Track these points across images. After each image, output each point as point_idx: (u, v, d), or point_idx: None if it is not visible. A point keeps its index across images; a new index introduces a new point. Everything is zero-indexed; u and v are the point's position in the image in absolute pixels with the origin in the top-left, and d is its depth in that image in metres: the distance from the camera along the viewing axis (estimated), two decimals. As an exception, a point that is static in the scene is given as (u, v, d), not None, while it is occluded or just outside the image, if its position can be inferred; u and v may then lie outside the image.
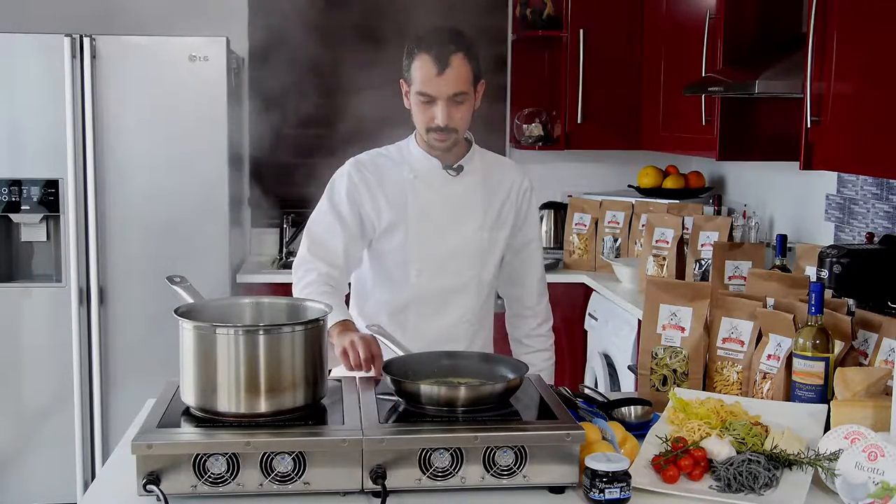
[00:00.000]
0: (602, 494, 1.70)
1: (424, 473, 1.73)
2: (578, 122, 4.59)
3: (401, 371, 1.98)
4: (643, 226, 4.07)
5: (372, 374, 2.13)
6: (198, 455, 1.69)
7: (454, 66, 2.29)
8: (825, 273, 2.48)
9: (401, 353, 2.12)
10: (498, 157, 2.61)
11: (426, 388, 1.87)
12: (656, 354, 2.31)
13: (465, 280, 2.47)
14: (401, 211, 2.43)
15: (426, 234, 2.43)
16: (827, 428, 1.94)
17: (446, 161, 2.44)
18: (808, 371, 2.04)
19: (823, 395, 2.03)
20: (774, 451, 1.83)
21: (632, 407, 2.12)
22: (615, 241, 4.41)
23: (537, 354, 2.64)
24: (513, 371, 2.00)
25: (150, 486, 1.67)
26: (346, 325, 2.27)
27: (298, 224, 4.75)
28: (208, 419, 1.81)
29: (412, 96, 2.36)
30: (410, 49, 2.35)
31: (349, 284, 2.54)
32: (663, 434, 1.93)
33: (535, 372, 2.43)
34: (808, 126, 2.78)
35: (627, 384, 3.76)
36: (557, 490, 1.77)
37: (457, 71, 2.29)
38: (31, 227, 4.07)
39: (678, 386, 2.24)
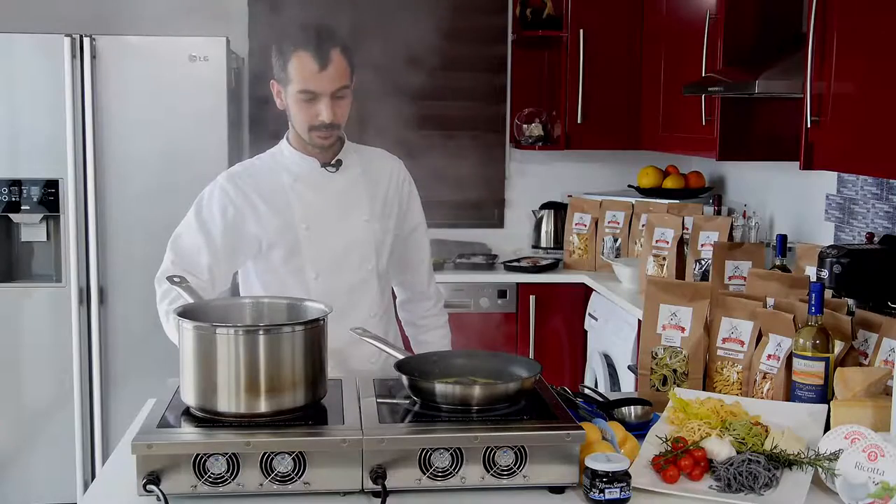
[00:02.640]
0: (602, 494, 1.70)
1: (424, 473, 1.73)
2: (578, 122, 4.59)
3: (413, 370, 1.97)
4: (643, 226, 4.07)
5: None
6: (198, 455, 1.69)
7: (335, 61, 2.28)
8: (825, 273, 2.48)
9: (398, 355, 2.11)
10: (373, 149, 2.57)
11: (441, 387, 1.87)
12: (656, 354, 2.31)
13: (365, 274, 2.44)
14: (287, 217, 2.39)
15: (317, 235, 2.40)
16: (827, 428, 1.94)
17: (323, 159, 2.42)
18: (808, 371, 2.04)
19: (823, 395, 2.03)
20: (774, 451, 1.83)
21: (632, 407, 2.12)
22: (615, 241, 4.41)
23: (434, 332, 2.63)
24: (527, 369, 1.99)
25: (150, 486, 1.67)
26: None
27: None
28: (208, 419, 1.81)
29: (290, 96, 2.32)
30: (284, 48, 2.31)
31: None
32: (663, 434, 1.93)
33: (435, 349, 2.46)
34: (808, 126, 2.78)
35: (627, 384, 3.76)
36: (557, 490, 1.77)
37: (337, 65, 2.28)
38: (31, 227, 4.07)
39: (678, 386, 2.24)
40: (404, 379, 1.92)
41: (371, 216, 2.44)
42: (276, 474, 1.71)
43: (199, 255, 2.38)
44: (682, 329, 2.28)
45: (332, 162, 2.42)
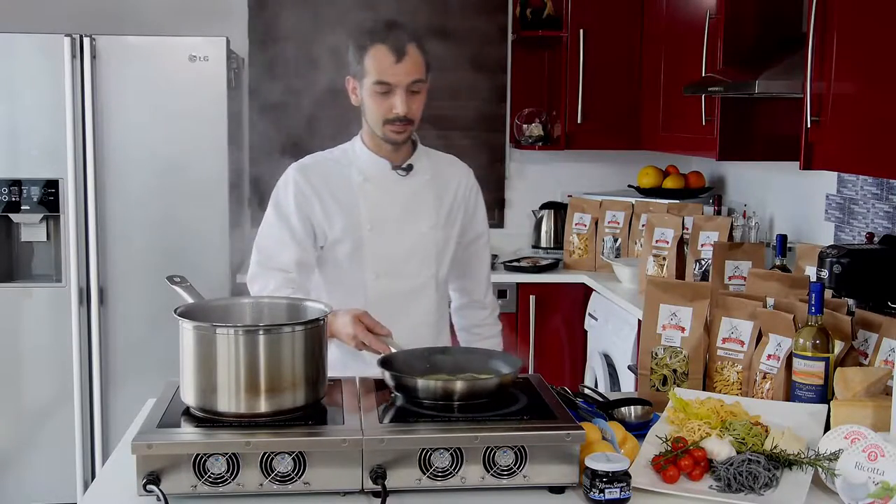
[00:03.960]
0: (602, 494, 1.70)
1: (424, 473, 1.73)
2: (578, 122, 4.59)
3: (397, 366, 1.98)
4: (643, 226, 4.07)
5: (388, 342, 2.12)
6: (198, 455, 1.69)
7: (410, 54, 2.30)
8: (825, 273, 2.48)
9: (393, 350, 2.12)
10: (444, 155, 2.58)
11: (423, 383, 1.88)
12: (656, 354, 2.31)
13: (424, 280, 2.45)
14: (353, 215, 2.40)
15: (381, 237, 2.41)
16: (827, 428, 1.94)
17: (394, 161, 2.42)
18: (808, 371, 2.04)
19: (823, 395, 2.03)
20: (774, 451, 1.83)
21: (632, 407, 2.12)
22: (615, 241, 4.41)
23: (488, 341, 2.63)
24: (507, 365, 2.00)
25: (150, 486, 1.67)
26: (332, 312, 2.22)
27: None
28: (208, 419, 1.81)
29: (366, 89, 2.33)
30: (361, 43, 2.33)
31: None
32: (663, 434, 1.93)
33: None
34: (808, 126, 2.78)
35: (627, 384, 3.76)
36: (557, 490, 1.77)
37: (413, 59, 2.30)
38: (31, 227, 4.07)
39: (678, 386, 2.24)
40: (387, 375, 1.93)
41: (436, 223, 2.45)
42: (276, 474, 1.71)
43: (283, 250, 2.39)
44: (682, 329, 2.28)
45: (404, 165, 2.43)
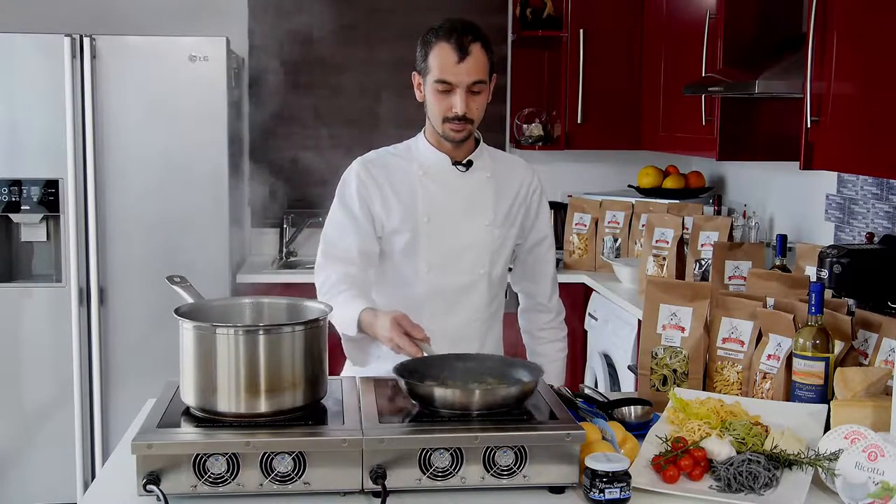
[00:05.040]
0: (602, 494, 1.70)
1: (424, 473, 1.73)
2: (578, 122, 4.59)
3: (414, 374, 1.95)
4: (643, 226, 4.07)
5: (423, 346, 2.10)
6: (198, 455, 1.69)
7: (473, 54, 2.30)
8: (825, 273, 2.48)
9: (426, 355, 2.09)
10: (507, 156, 2.60)
11: (440, 392, 1.85)
12: (656, 354, 2.31)
13: (476, 277, 2.45)
14: (410, 208, 2.41)
15: (436, 231, 2.42)
16: (827, 428, 1.94)
17: (455, 157, 2.43)
18: (808, 371, 2.04)
19: (823, 395, 2.03)
20: (774, 451, 1.84)
21: (632, 407, 2.12)
22: (615, 241, 4.41)
23: (551, 345, 2.64)
24: (528, 373, 1.97)
25: (150, 486, 1.67)
26: (374, 312, 2.23)
27: (298, 224, 4.75)
28: (208, 419, 1.81)
29: (428, 86, 2.35)
30: (427, 39, 2.35)
31: None
32: (663, 434, 1.93)
33: (549, 363, 2.52)
34: (808, 126, 2.78)
35: (627, 384, 3.76)
36: (557, 490, 1.77)
37: (476, 59, 2.30)
38: (31, 227, 4.07)
39: (678, 386, 2.24)
40: (402, 383, 1.91)
41: (493, 221, 2.45)
42: (276, 474, 1.71)
43: (346, 239, 2.41)
44: (682, 329, 2.28)
45: (463, 161, 2.44)
